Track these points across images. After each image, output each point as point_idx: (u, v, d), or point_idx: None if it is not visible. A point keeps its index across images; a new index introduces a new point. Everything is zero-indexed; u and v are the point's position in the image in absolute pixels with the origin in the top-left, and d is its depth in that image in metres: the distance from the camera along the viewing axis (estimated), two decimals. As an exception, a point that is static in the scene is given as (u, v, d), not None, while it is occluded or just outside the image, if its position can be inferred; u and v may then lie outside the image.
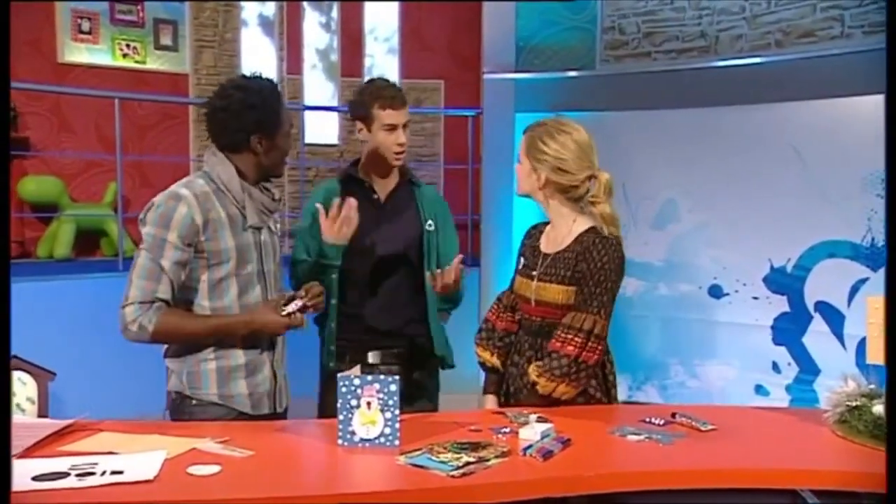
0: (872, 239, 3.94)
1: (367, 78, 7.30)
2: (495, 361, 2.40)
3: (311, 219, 2.63)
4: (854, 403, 1.96)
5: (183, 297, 2.15)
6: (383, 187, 2.73)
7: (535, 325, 2.29)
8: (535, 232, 2.42)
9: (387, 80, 2.71)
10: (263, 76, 2.24)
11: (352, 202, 2.48)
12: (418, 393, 2.66)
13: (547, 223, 2.40)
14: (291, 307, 2.14)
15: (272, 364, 2.26)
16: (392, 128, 2.63)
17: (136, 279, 2.08)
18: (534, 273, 2.29)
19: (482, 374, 2.48)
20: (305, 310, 2.18)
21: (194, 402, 2.18)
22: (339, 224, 2.47)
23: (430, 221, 2.74)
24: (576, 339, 2.13)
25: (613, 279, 2.18)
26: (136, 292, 2.07)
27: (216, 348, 2.16)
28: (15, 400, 4.54)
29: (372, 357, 2.66)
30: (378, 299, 2.69)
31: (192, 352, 2.18)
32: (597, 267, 2.17)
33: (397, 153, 2.66)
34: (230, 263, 2.15)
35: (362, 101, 2.67)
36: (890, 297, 1.81)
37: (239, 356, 2.18)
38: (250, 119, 2.16)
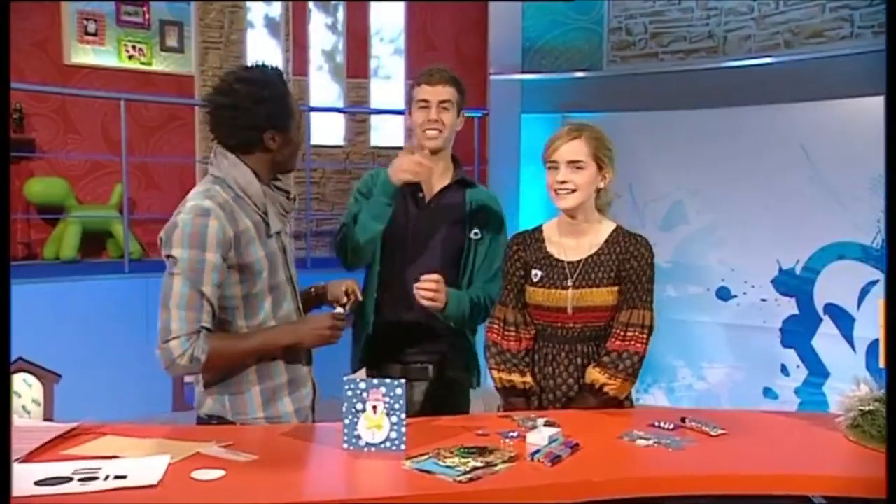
0: (882, 241, 3.91)
1: (372, 79, 7.35)
2: (528, 380, 2.27)
3: (358, 204, 2.53)
4: (867, 408, 1.93)
5: (218, 317, 1.98)
6: (432, 186, 2.54)
7: (574, 333, 2.25)
8: (531, 241, 2.32)
9: (435, 66, 2.59)
10: (267, 65, 2.05)
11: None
12: (445, 409, 2.44)
13: (535, 230, 2.35)
14: (340, 310, 2.09)
15: (312, 376, 2.17)
16: (425, 104, 2.49)
17: (176, 310, 1.89)
18: (567, 282, 2.24)
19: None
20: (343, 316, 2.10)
21: (237, 426, 2.03)
22: (414, 162, 2.36)
23: (475, 230, 2.55)
24: (641, 335, 2.20)
25: (654, 272, 2.26)
26: (180, 325, 1.89)
27: (258, 369, 2.03)
28: (20, 402, 4.52)
29: (398, 370, 2.50)
30: (413, 309, 2.45)
31: (234, 375, 2.03)
32: (647, 263, 2.24)
33: (427, 130, 2.49)
34: (263, 275, 2.00)
35: (409, 86, 2.61)
36: (890, 299, 1.79)
37: (282, 374, 2.07)
38: (261, 114, 1.97)
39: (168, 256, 1.94)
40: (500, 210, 2.64)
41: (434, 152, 2.52)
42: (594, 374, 2.20)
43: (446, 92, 2.51)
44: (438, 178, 2.56)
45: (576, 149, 2.21)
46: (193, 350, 1.89)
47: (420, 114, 2.50)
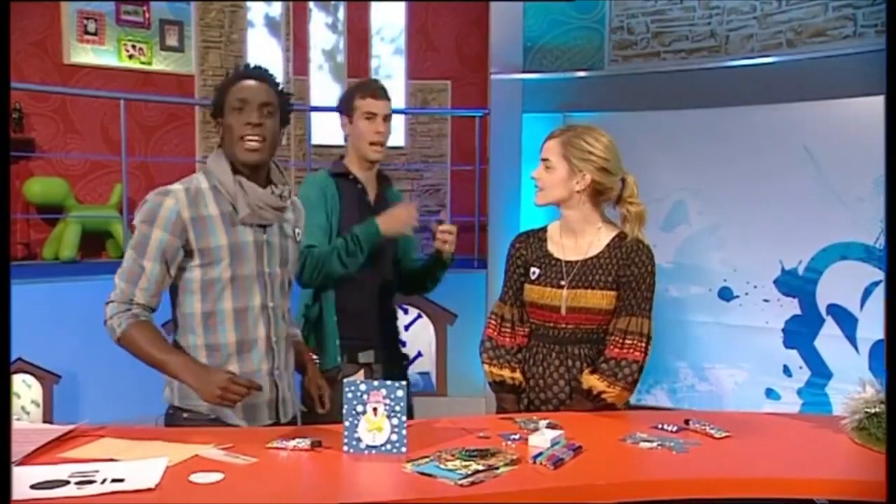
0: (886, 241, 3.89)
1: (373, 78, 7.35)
2: (517, 377, 2.30)
3: (320, 216, 2.65)
4: (873, 410, 1.92)
5: (176, 300, 2.10)
6: (372, 188, 2.79)
7: (566, 333, 2.26)
8: (533, 240, 2.34)
9: (372, 79, 2.82)
10: (245, 63, 2.20)
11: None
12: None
13: (540, 230, 2.37)
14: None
15: (271, 374, 2.13)
16: (371, 116, 2.69)
17: (118, 279, 2.05)
18: (562, 282, 2.25)
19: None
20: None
21: (186, 415, 2.08)
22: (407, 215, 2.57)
23: None
24: (639, 343, 2.18)
25: (654, 281, 2.24)
26: (116, 293, 2.05)
27: (208, 358, 2.05)
28: (20, 402, 4.52)
29: (364, 357, 2.70)
30: (370, 300, 2.74)
31: None
32: (647, 270, 2.22)
33: (374, 142, 2.70)
34: (223, 263, 2.05)
35: (347, 94, 2.80)
36: (890, 300, 1.78)
37: (232, 367, 2.05)
38: (214, 103, 2.13)
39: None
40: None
41: (375, 162, 2.77)
42: (592, 381, 2.19)
43: (389, 106, 2.76)
44: (373, 180, 2.81)
45: (548, 147, 2.27)
46: (114, 320, 2.01)
47: (367, 125, 2.70)
